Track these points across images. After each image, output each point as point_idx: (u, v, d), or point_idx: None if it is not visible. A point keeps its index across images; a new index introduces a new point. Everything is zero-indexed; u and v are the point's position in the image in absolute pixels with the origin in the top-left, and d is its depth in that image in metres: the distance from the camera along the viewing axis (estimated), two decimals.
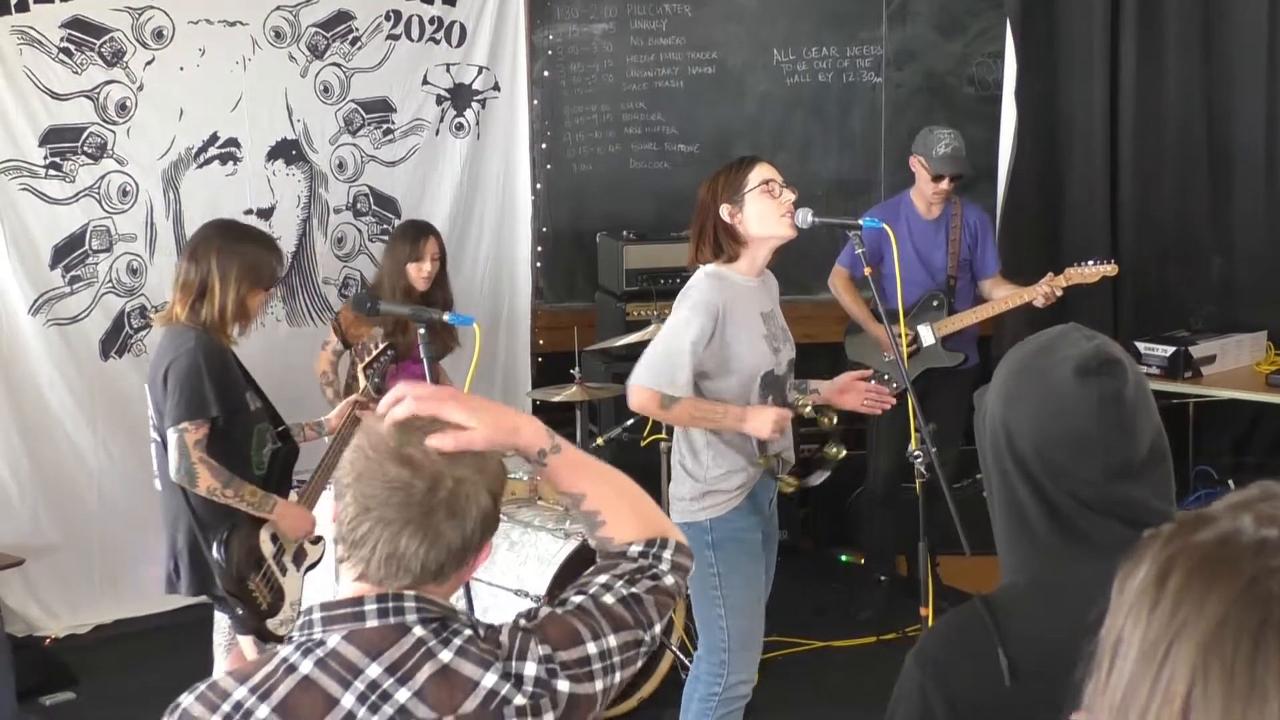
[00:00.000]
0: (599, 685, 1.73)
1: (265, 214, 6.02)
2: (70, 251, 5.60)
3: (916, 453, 3.91)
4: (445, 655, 1.66)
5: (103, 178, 5.64)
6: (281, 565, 4.04)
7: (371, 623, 1.67)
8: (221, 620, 4.14)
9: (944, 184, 5.49)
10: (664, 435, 5.12)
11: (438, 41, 6.36)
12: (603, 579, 1.82)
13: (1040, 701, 1.39)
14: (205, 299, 3.93)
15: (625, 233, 6.50)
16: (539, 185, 6.77)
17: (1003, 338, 6.38)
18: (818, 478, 3.96)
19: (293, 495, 4.13)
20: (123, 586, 5.59)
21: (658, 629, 1.83)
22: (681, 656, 4.64)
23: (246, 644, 4.03)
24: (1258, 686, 0.93)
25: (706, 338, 3.67)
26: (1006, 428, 1.71)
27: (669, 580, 1.86)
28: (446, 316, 4.05)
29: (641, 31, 6.92)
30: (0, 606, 5.19)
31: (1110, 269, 5.37)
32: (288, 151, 6.07)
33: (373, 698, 1.63)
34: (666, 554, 1.87)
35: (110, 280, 5.70)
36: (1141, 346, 5.92)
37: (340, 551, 1.73)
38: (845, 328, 5.84)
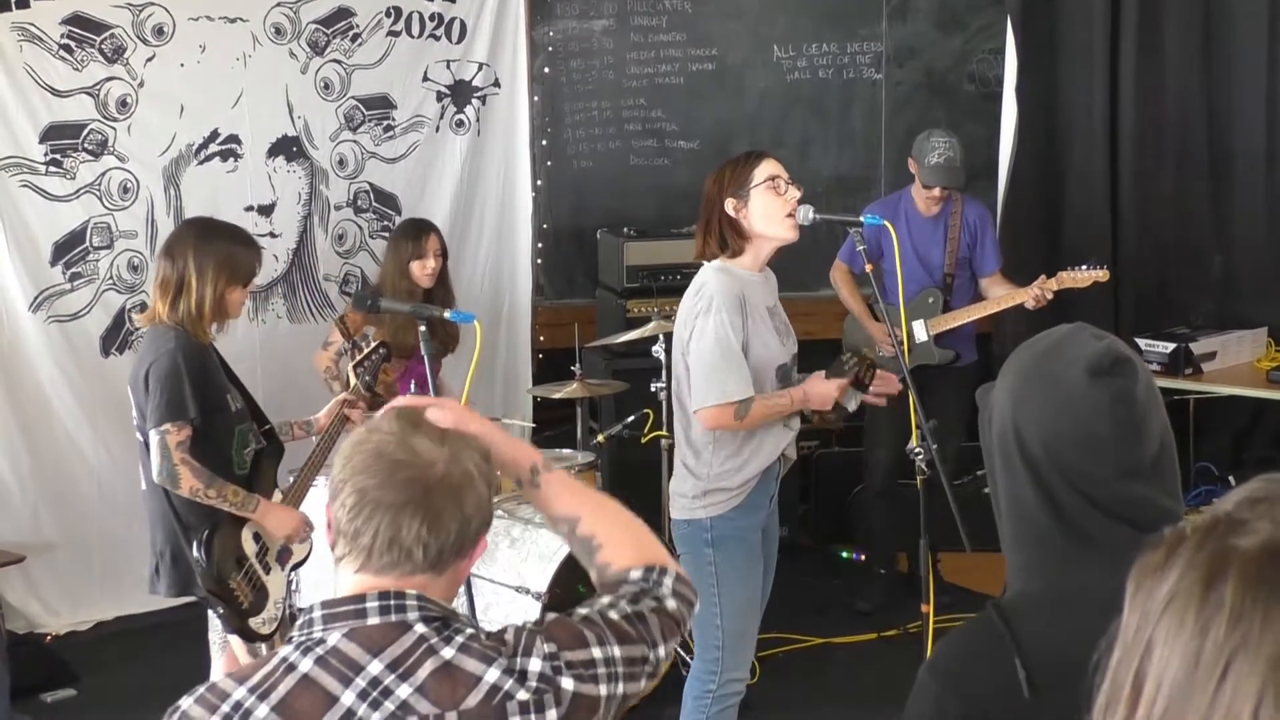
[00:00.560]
0: (603, 690, 1.72)
1: (266, 210, 6.03)
2: (71, 248, 5.60)
3: (917, 449, 3.91)
4: (447, 652, 1.66)
5: (103, 174, 5.64)
6: (265, 564, 4.04)
7: (373, 620, 1.66)
8: (215, 618, 4.15)
9: (935, 192, 5.48)
10: (664, 432, 5.12)
11: (438, 38, 6.36)
12: (606, 599, 1.82)
13: (1058, 713, 1.38)
14: (183, 295, 3.93)
15: (626, 229, 6.50)
16: (539, 182, 6.77)
17: (1004, 337, 6.39)
18: (852, 398, 3.89)
19: (277, 495, 4.13)
20: (123, 583, 5.59)
21: (662, 651, 1.80)
22: (683, 654, 4.64)
23: (236, 642, 4.04)
24: None
25: (740, 329, 3.68)
26: (1016, 427, 1.71)
27: (671, 604, 1.84)
28: (447, 314, 4.05)
29: (642, 28, 6.92)
30: (1, 603, 5.19)
31: (1102, 274, 5.35)
32: (288, 148, 6.06)
33: (374, 694, 1.63)
34: (668, 581, 1.86)
35: (111, 277, 5.70)
36: (1142, 343, 5.92)
37: (339, 548, 1.73)
38: (845, 319, 5.84)
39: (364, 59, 6.19)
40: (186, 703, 1.68)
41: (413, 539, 1.68)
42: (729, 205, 3.77)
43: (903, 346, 4.09)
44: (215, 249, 3.99)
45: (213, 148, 5.87)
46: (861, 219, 4.14)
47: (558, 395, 5.36)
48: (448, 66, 6.39)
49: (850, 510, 6.27)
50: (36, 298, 5.55)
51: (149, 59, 5.67)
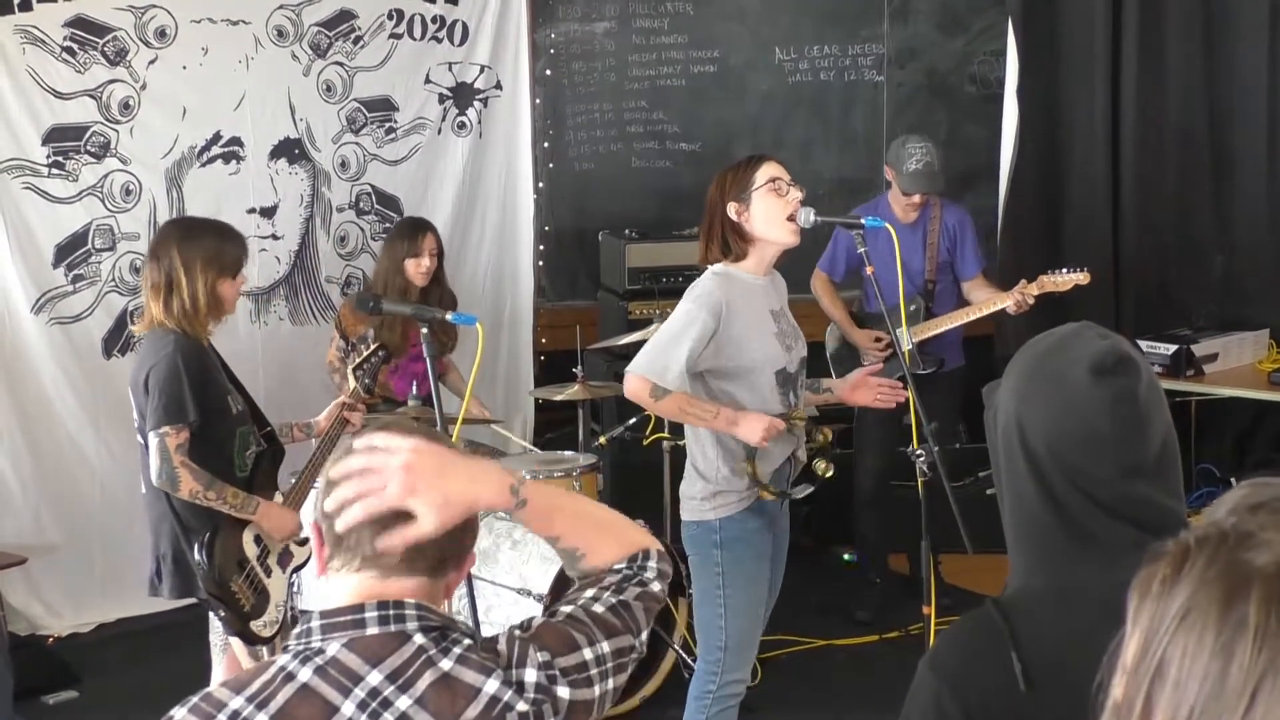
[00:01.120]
0: (596, 691, 1.72)
1: (268, 213, 6.03)
2: (73, 250, 5.61)
3: (919, 451, 3.91)
4: (446, 664, 1.65)
5: (106, 177, 5.64)
6: (266, 567, 4.03)
7: (372, 630, 1.65)
8: (217, 621, 4.15)
9: (915, 198, 5.42)
10: (666, 434, 5.12)
11: (440, 40, 6.37)
12: (590, 592, 1.82)
13: (1056, 707, 1.38)
14: (174, 294, 3.94)
15: (627, 231, 6.51)
16: (541, 184, 6.77)
17: (1005, 338, 6.38)
18: (801, 491, 3.94)
19: (278, 496, 4.13)
20: (125, 585, 5.58)
21: (644, 635, 1.82)
22: (684, 655, 4.65)
23: (238, 645, 4.04)
24: None
25: (708, 335, 3.68)
26: (1019, 426, 1.71)
27: (656, 586, 1.86)
28: (449, 316, 4.05)
29: (643, 30, 6.93)
30: (3, 605, 5.19)
31: (1083, 277, 5.24)
32: (290, 150, 6.07)
33: (373, 705, 1.62)
34: (651, 563, 1.87)
35: (113, 279, 5.70)
36: (1144, 345, 5.91)
37: (335, 562, 1.71)
38: (828, 328, 5.77)
39: (366, 61, 6.19)
40: (179, 712, 1.65)
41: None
42: (731, 209, 3.78)
43: (904, 351, 4.07)
44: (199, 245, 4.00)
45: (215, 150, 5.87)
46: (863, 220, 4.14)
47: (559, 397, 5.37)
48: (450, 69, 6.39)
49: (851, 512, 6.24)
50: (39, 299, 5.55)
51: (151, 61, 5.67)
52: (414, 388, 4.94)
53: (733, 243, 3.79)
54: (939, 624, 3.90)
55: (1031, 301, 5.25)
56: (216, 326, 4.11)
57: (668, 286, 6.03)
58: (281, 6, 5.96)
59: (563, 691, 1.68)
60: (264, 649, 3.96)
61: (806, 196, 3.85)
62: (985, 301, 5.40)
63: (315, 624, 1.67)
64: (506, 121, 6.55)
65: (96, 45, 5.56)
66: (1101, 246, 6.63)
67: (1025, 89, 6.51)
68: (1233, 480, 6.19)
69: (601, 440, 5.54)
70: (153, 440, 3.87)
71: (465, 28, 6.40)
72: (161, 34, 5.69)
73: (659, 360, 3.69)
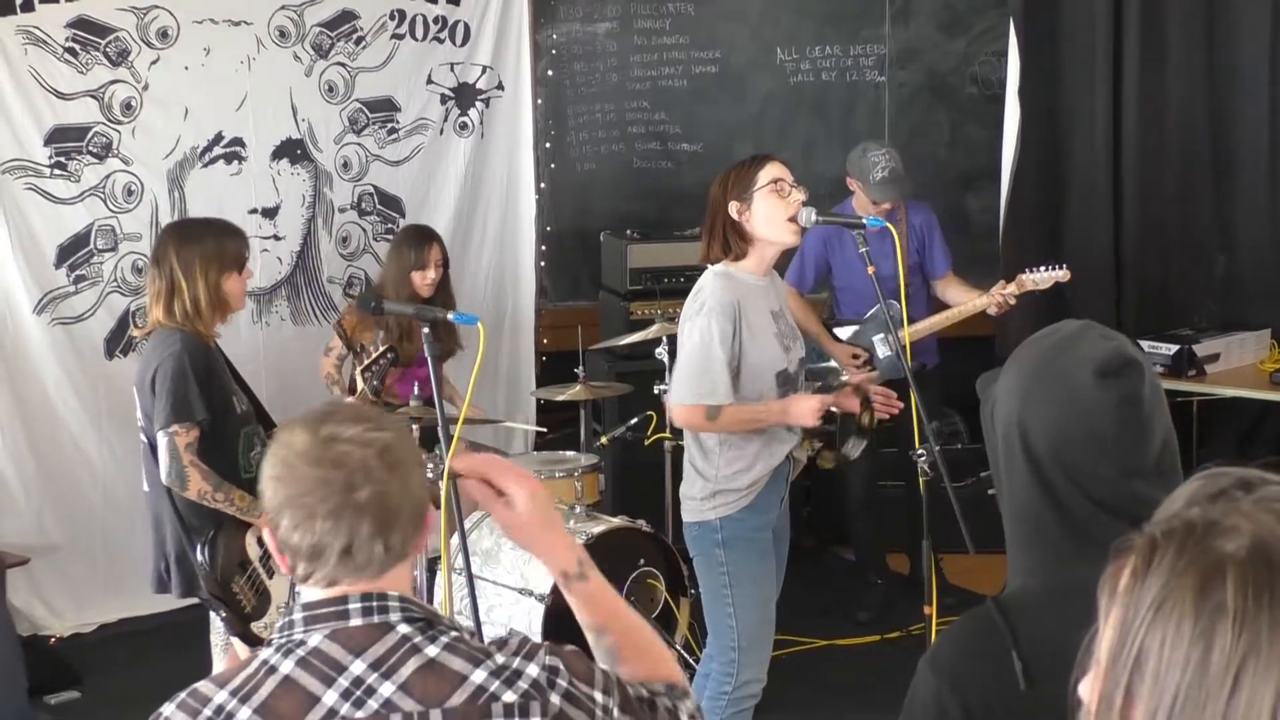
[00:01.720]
0: None
1: (270, 213, 6.03)
2: (75, 251, 5.61)
3: (920, 451, 3.91)
4: (431, 650, 1.65)
5: (108, 177, 5.65)
6: (268, 568, 4.03)
7: (355, 621, 1.66)
8: (217, 620, 4.15)
9: (885, 205, 5.31)
10: (668, 434, 5.12)
11: (442, 41, 6.37)
12: (628, 680, 1.81)
13: (1056, 706, 1.39)
14: (176, 298, 3.95)
15: (629, 232, 6.51)
16: (543, 184, 6.78)
17: (1008, 339, 6.37)
18: (855, 448, 3.93)
19: None
20: (127, 585, 5.59)
21: None
22: (685, 655, 4.65)
23: (239, 645, 4.04)
24: None
25: (730, 339, 3.68)
26: (1022, 426, 1.71)
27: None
28: (450, 316, 4.05)
29: (645, 31, 6.93)
30: (9, 605, 5.20)
31: (1063, 274, 5.19)
32: (292, 151, 6.07)
33: (357, 693, 1.62)
34: (688, 704, 1.85)
35: (115, 279, 5.70)
36: (1145, 345, 5.89)
37: (300, 569, 1.70)
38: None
39: (368, 62, 6.19)
40: (169, 709, 1.67)
41: (368, 530, 1.66)
42: (733, 208, 3.78)
43: (905, 352, 4.06)
44: (197, 245, 4.01)
45: (217, 150, 5.88)
46: (864, 220, 4.14)
47: (561, 398, 5.37)
48: (451, 69, 6.40)
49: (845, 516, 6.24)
50: (41, 300, 5.56)
51: (153, 62, 5.68)
52: (415, 388, 4.94)
53: (733, 242, 3.79)
54: (940, 624, 3.90)
55: (1013, 302, 5.20)
56: (223, 325, 4.12)
57: (669, 287, 6.02)
58: (283, 7, 5.96)
59: (555, 699, 1.67)
60: None
61: (807, 197, 3.84)
62: (965, 304, 5.34)
63: (298, 616, 1.68)
64: (508, 122, 6.55)
65: (98, 46, 5.56)
66: (1103, 247, 6.62)
67: (1027, 90, 6.51)
68: None
69: (603, 440, 5.54)
70: (162, 439, 3.86)
71: (467, 28, 6.40)
72: (163, 34, 5.69)
73: (703, 382, 3.68)
